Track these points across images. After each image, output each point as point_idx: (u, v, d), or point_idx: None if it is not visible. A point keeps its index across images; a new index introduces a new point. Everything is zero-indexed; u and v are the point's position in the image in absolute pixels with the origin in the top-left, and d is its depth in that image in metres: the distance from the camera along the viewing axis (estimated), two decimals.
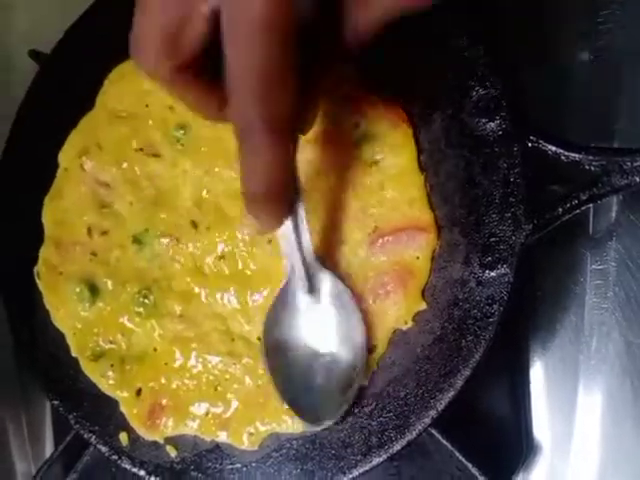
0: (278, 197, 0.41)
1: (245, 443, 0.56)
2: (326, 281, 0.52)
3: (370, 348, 0.54)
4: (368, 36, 0.40)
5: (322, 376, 0.51)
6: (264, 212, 0.42)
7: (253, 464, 0.56)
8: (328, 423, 0.52)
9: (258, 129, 0.36)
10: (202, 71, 0.39)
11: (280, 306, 0.53)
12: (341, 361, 0.51)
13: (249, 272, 0.57)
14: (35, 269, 0.63)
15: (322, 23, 0.39)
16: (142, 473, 0.58)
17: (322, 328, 0.52)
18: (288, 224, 0.47)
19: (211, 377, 0.57)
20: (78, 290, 0.60)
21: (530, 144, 0.51)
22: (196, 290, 0.59)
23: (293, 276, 0.52)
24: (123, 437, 0.59)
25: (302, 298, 0.52)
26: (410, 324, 0.53)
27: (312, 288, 0.52)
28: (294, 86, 0.37)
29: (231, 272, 0.58)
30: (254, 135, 0.37)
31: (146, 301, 0.59)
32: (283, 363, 0.52)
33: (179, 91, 0.40)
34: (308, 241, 0.50)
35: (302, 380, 0.51)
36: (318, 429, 0.52)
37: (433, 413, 0.51)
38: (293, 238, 0.48)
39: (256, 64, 0.34)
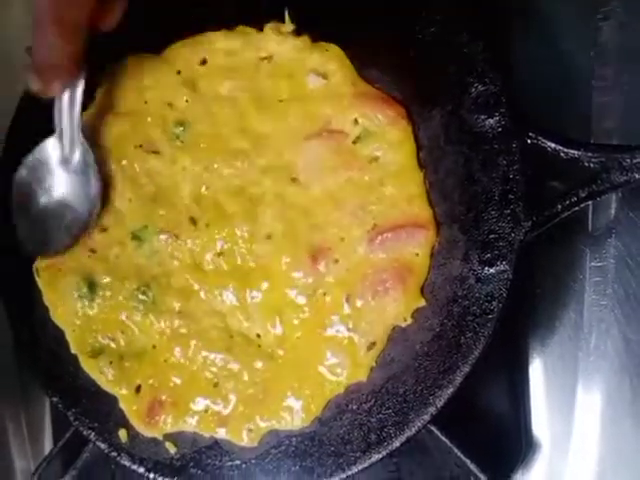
0: (56, 71, 0.53)
1: (244, 440, 0.56)
2: (78, 150, 0.59)
3: (369, 345, 0.54)
4: None
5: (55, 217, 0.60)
6: (45, 80, 0.54)
7: (252, 461, 0.56)
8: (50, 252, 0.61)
9: (46, 22, 0.49)
10: None
11: (36, 160, 0.60)
12: (70, 210, 0.60)
13: (248, 269, 0.57)
14: (34, 266, 0.62)
15: None
16: (141, 470, 0.58)
17: (66, 186, 0.60)
18: (65, 97, 0.57)
19: (210, 374, 0.57)
20: (77, 287, 0.60)
21: (529, 141, 0.51)
22: (195, 287, 0.58)
23: (57, 140, 0.59)
24: (122, 434, 0.59)
25: (57, 159, 0.60)
26: (409, 321, 0.53)
27: (69, 153, 0.59)
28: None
29: (230, 269, 0.58)
30: (44, 25, 0.49)
31: (145, 298, 0.59)
32: (24, 211, 0.61)
33: None
34: (78, 113, 0.58)
35: (36, 224, 0.60)
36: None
37: (432, 410, 0.51)
38: (65, 107, 0.57)
39: None
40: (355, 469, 0.53)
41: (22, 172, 0.60)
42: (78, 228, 0.60)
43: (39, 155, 0.60)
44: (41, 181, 0.60)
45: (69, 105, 0.57)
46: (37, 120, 0.64)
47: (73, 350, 0.61)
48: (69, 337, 0.61)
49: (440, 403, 0.51)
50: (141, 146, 0.61)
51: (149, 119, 0.61)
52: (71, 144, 0.59)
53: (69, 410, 0.61)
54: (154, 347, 0.59)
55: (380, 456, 0.52)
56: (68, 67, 0.54)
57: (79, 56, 0.53)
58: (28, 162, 0.60)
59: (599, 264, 0.58)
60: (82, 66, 0.55)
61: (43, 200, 0.60)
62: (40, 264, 0.62)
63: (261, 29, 0.59)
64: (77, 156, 0.59)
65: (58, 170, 0.60)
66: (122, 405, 0.59)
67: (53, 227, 0.60)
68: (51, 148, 0.60)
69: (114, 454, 0.59)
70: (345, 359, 0.54)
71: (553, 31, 0.59)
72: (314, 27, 0.58)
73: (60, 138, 0.59)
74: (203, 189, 0.59)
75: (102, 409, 0.60)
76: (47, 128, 0.63)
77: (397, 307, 0.53)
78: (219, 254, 0.58)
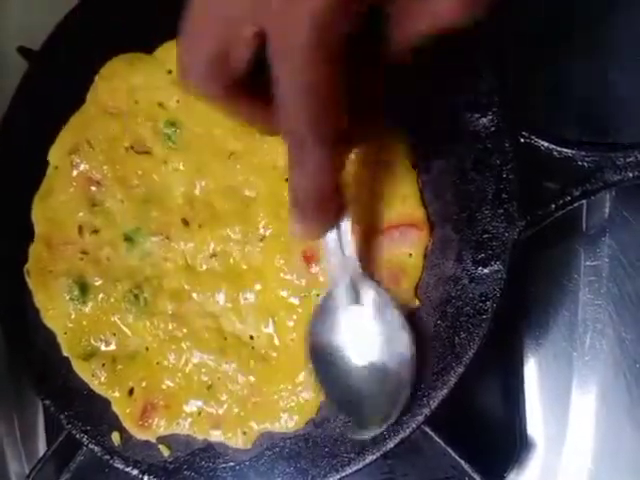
0: (325, 206, 0.43)
1: (238, 442, 0.56)
2: (370, 292, 0.50)
3: None
4: (416, 45, 0.41)
5: (368, 387, 0.50)
6: (310, 220, 0.43)
7: (246, 463, 0.56)
8: (376, 432, 0.50)
9: (309, 143, 0.38)
10: (251, 85, 0.39)
11: (324, 317, 0.51)
12: (388, 373, 0.49)
13: (241, 270, 0.57)
14: (25, 268, 0.62)
15: (369, 37, 0.39)
16: (135, 472, 0.58)
17: (367, 339, 0.50)
18: (332, 234, 0.48)
19: (203, 376, 0.57)
20: (69, 289, 0.60)
21: (523, 140, 0.51)
22: (188, 288, 0.58)
23: (336, 287, 0.51)
24: (115, 437, 0.59)
25: (346, 309, 0.51)
26: None
27: (357, 299, 0.50)
28: (343, 102, 0.38)
29: (223, 270, 0.57)
30: (305, 149, 0.38)
31: (137, 300, 0.59)
32: (331, 372, 0.51)
33: (231, 108, 0.41)
34: (352, 252, 0.49)
35: (349, 389, 0.50)
36: (366, 437, 0.51)
37: (426, 411, 0.51)
38: (337, 248, 0.48)
39: (305, 84, 0.35)
40: (349, 470, 0.52)
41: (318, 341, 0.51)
42: (401, 391, 0.49)
43: (323, 312, 0.51)
44: (336, 338, 0.51)
45: (339, 243, 0.48)
46: (28, 122, 0.65)
47: (65, 353, 0.60)
48: (61, 339, 0.61)
49: (434, 404, 0.50)
50: (132, 147, 0.60)
51: (140, 119, 0.61)
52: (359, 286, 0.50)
53: (62, 413, 0.60)
54: (147, 349, 0.59)
55: (374, 457, 0.52)
56: (339, 198, 0.44)
57: (343, 171, 0.43)
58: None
59: (593, 263, 0.57)
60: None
61: (348, 361, 0.50)
62: (31, 265, 0.62)
63: None
64: (370, 297, 0.50)
65: (354, 319, 0.50)
66: (115, 408, 0.59)
67: (373, 394, 0.50)
68: (334, 299, 0.51)
69: (107, 457, 0.59)
70: None
71: (546, 30, 0.59)
72: None
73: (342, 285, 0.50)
74: (195, 190, 0.59)
75: (95, 412, 0.59)
76: (38, 130, 0.63)
77: None
78: (212, 255, 0.58)
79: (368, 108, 0.44)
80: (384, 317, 0.50)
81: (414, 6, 0.37)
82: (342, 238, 0.48)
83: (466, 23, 0.38)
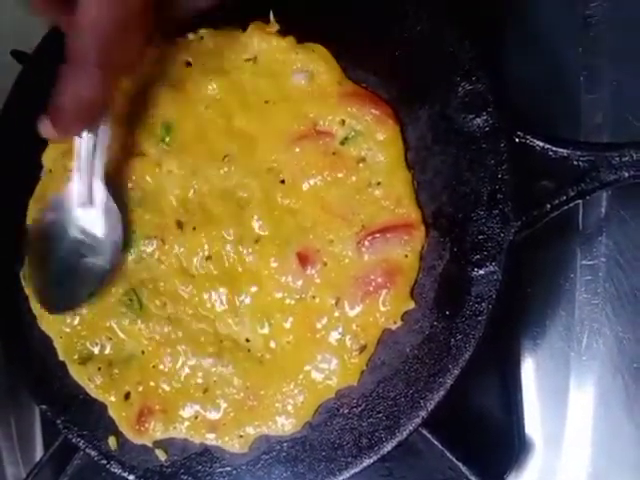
0: (82, 118, 0.50)
1: (235, 446, 0.56)
2: (101, 196, 0.56)
3: (359, 348, 0.53)
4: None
5: (73, 265, 0.57)
6: (64, 123, 0.50)
7: (243, 467, 0.56)
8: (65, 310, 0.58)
9: (89, 64, 0.44)
10: None
11: (56, 205, 0.57)
12: (96, 255, 0.57)
13: (236, 273, 0.57)
14: (21, 273, 0.62)
15: None
16: (131, 477, 0.58)
17: (87, 233, 0.57)
18: (85, 143, 0.53)
19: (199, 379, 0.57)
20: None
21: (517, 140, 0.50)
22: (183, 291, 0.58)
23: (75, 185, 0.56)
24: (112, 441, 0.59)
25: (77, 205, 0.57)
26: (399, 323, 0.53)
27: (90, 200, 0.56)
28: (136, 38, 0.45)
29: (218, 273, 0.57)
30: (83, 64, 0.45)
31: (133, 303, 0.58)
32: (44, 251, 0.58)
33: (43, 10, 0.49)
34: (100, 161, 0.55)
35: (56, 270, 0.57)
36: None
37: (423, 413, 0.51)
38: (85, 154, 0.54)
39: (102, 21, 0.42)
40: (347, 474, 0.52)
41: (38, 219, 0.58)
42: (98, 281, 0.57)
43: (56, 200, 0.57)
44: (58, 229, 0.57)
45: (92, 149, 0.54)
46: (21, 125, 0.65)
47: (61, 357, 0.60)
48: (57, 344, 0.60)
49: (431, 406, 0.50)
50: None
51: (134, 122, 0.60)
52: (89, 189, 0.56)
53: (58, 418, 0.60)
54: (143, 353, 0.58)
55: (371, 460, 0.52)
56: (98, 112, 0.51)
57: (109, 100, 0.50)
58: (47, 205, 0.58)
59: (590, 263, 0.57)
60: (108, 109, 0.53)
61: (60, 250, 0.57)
62: (27, 271, 0.62)
63: (245, 29, 0.58)
64: (97, 201, 0.56)
65: (75, 216, 0.57)
66: (111, 412, 0.59)
67: (72, 279, 0.57)
68: (68, 194, 0.57)
69: (104, 462, 0.59)
70: (335, 363, 0.54)
71: (541, 28, 0.59)
72: (299, 27, 0.57)
73: (79, 182, 0.56)
74: (190, 193, 0.58)
75: (91, 416, 0.59)
76: (32, 133, 0.63)
77: (387, 310, 0.53)
78: (207, 258, 0.57)
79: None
80: (105, 217, 0.57)
81: None
82: (97, 147, 0.54)
83: None
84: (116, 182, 0.58)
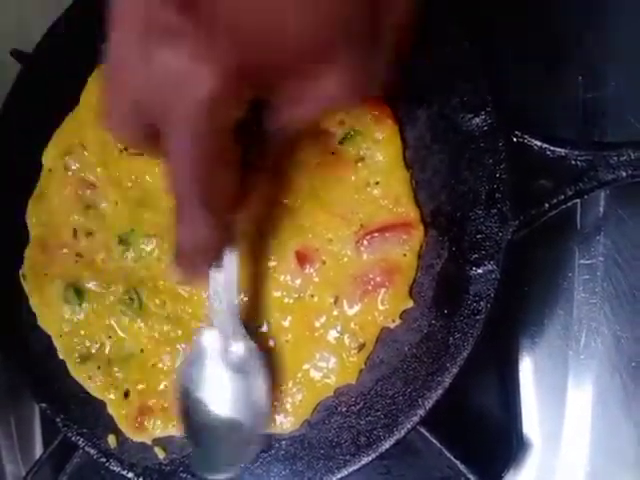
0: (201, 260, 0.46)
1: None
2: (240, 343, 0.53)
3: (358, 347, 0.54)
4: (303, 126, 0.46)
5: (223, 435, 0.52)
6: (189, 267, 0.47)
7: (241, 465, 0.56)
8: (220, 476, 0.53)
9: (192, 205, 0.41)
10: None
11: (194, 358, 0.54)
12: (242, 426, 0.52)
13: None
14: (21, 271, 0.62)
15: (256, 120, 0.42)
16: (131, 475, 0.58)
17: (229, 390, 0.53)
18: (219, 281, 0.50)
19: None
20: (64, 292, 0.60)
21: (515, 139, 0.50)
22: (182, 290, 0.58)
23: (210, 331, 0.53)
24: (111, 439, 0.59)
25: (217, 355, 0.53)
26: (398, 322, 0.53)
27: (227, 345, 0.53)
28: (230, 174, 0.42)
29: None
30: (189, 208, 0.41)
31: (132, 302, 0.59)
32: (191, 412, 0.53)
33: (144, 150, 0.45)
34: (234, 301, 0.52)
35: (205, 432, 0.53)
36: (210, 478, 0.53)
37: (421, 411, 0.51)
38: (220, 293, 0.51)
39: (189, 161, 0.38)
40: (345, 472, 0.52)
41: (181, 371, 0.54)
42: (251, 444, 0.53)
43: (196, 351, 0.53)
44: (201, 384, 0.53)
45: (225, 287, 0.50)
46: (21, 124, 0.65)
47: (61, 356, 0.60)
48: (56, 343, 0.61)
49: (429, 405, 0.50)
50: (126, 149, 0.60)
51: None
52: (233, 334, 0.52)
53: (57, 416, 0.60)
54: (142, 351, 0.59)
55: (370, 459, 0.52)
56: (218, 251, 0.48)
57: (230, 231, 0.47)
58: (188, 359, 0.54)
59: (588, 262, 0.57)
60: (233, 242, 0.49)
61: (206, 409, 0.53)
62: (26, 269, 0.62)
63: None
64: (240, 350, 0.52)
65: (219, 368, 0.53)
66: (111, 410, 0.59)
67: (224, 443, 0.53)
68: (208, 341, 0.53)
69: (103, 460, 0.59)
70: (334, 361, 0.54)
71: (539, 28, 0.59)
72: None
73: (219, 329, 0.52)
74: None
75: (91, 414, 0.59)
76: (31, 132, 0.63)
77: (385, 308, 0.53)
78: None
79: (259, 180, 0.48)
80: (248, 371, 0.52)
81: (296, 94, 0.39)
82: (229, 284, 0.51)
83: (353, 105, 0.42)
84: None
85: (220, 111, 0.37)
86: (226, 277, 0.50)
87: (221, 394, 0.52)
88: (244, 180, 0.43)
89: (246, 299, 0.56)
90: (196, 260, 0.46)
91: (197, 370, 0.53)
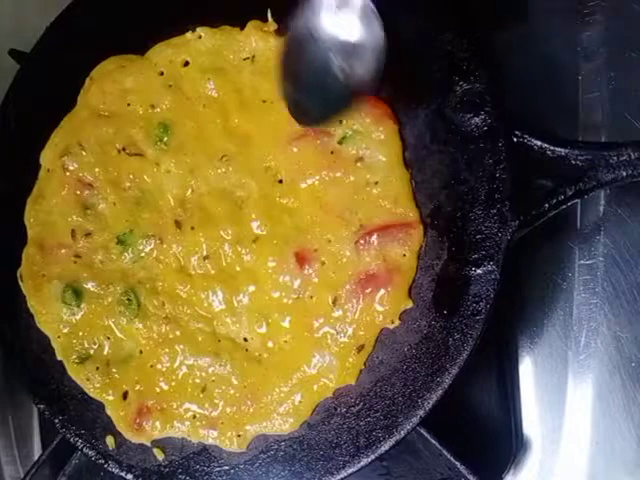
0: None
1: (233, 445, 0.56)
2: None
3: (358, 347, 0.53)
4: None
5: (321, 83, 0.49)
6: None
7: (241, 466, 0.56)
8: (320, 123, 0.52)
9: None
10: None
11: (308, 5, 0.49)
12: (341, 78, 0.48)
13: (234, 272, 0.57)
14: (18, 272, 0.62)
15: None
16: (129, 477, 0.58)
17: (344, 37, 0.48)
18: None
19: (197, 379, 0.57)
20: (62, 293, 0.60)
21: (515, 139, 0.50)
22: (181, 291, 0.58)
23: None
24: (110, 441, 0.59)
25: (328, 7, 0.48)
26: (397, 323, 0.53)
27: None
28: None
29: (216, 272, 0.57)
30: None
31: (131, 303, 0.58)
32: (297, 59, 0.50)
33: None
34: None
35: (310, 76, 0.50)
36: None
37: (421, 412, 0.51)
38: None
39: None
40: (344, 473, 0.52)
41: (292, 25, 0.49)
42: (356, 92, 0.48)
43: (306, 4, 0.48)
44: (307, 36, 0.48)
45: None
46: (19, 124, 0.65)
47: (59, 357, 0.60)
48: (54, 343, 0.60)
49: (429, 405, 0.50)
50: (124, 149, 0.60)
51: (132, 121, 0.60)
52: None
53: (56, 417, 0.60)
54: (140, 352, 0.58)
55: (369, 460, 0.52)
56: None
57: None
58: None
59: (588, 262, 0.57)
60: None
61: (311, 60, 0.49)
62: (24, 269, 0.62)
63: (243, 28, 0.58)
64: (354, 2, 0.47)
65: (327, 21, 0.48)
66: (109, 411, 0.59)
67: (326, 91, 0.49)
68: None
69: (101, 461, 0.59)
70: (334, 362, 0.54)
71: (539, 28, 0.59)
72: None
73: None
74: (188, 192, 0.58)
75: (89, 416, 0.59)
76: (29, 132, 0.63)
77: (385, 309, 0.53)
78: (205, 257, 0.57)
79: None
80: (363, 20, 0.48)
81: None
82: None
83: None
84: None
85: None
86: None
87: (330, 38, 0.48)
88: None
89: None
90: None
91: (309, 16, 0.49)
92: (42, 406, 0.61)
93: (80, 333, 0.60)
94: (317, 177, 0.55)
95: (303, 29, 0.49)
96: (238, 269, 0.57)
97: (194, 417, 0.57)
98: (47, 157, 0.62)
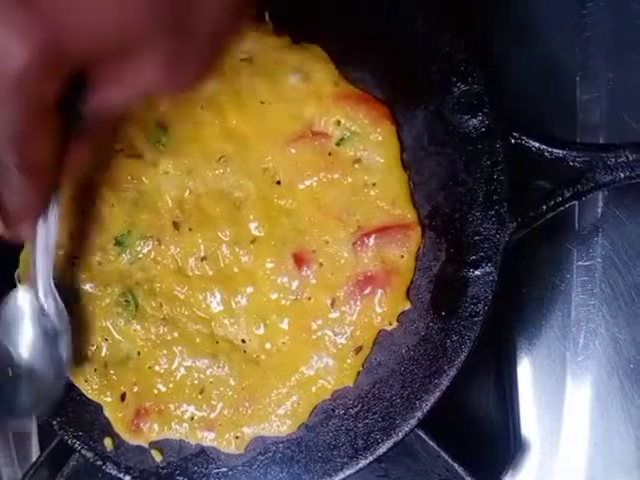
0: (23, 215, 0.49)
1: (231, 446, 0.56)
2: (51, 300, 0.54)
3: (356, 349, 0.53)
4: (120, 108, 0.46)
5: (22, 381, 0.55)
6: (11, 222, 0.49)
7: (239, 468, 0.56)
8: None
9: (9, 170, 0.43)
10: None
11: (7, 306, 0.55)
12: (39, 376, 0.55)
13: (232, 273, 0.57)
14: (16, 273, 0.62)
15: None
16: (127, 479, 0.58)
17: (32, 338, 0.55)
18: (38, 240, 0.51)
19: (195, 380, 0.57)
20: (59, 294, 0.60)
21: (513, 140, 0.50)
22: (179, 292, 0.58)
23: (32, 282, 0.54)
24: (108, 442, 0.59)
25: (28, 304, 0.55)
26: (395, 324, 0.53)
27: (43, 304, 0.54)
28: (46, 144, 0.42)
29: (214, 273, 0.57)
30: (7, 172, 0.43)
31: (129, 304, 0.58)
32: None
33: None
34: (49, 261, 0.53)
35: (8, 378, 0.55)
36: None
37: (419, 414, 0.51)
38: (40, 251, 0.52)
39: (6, 123, 0.39)
40: (342, 475, 0.52)
41: None
42: (45, 396, 0.56)
43: (9, 306, 0.55)
44: (10, 335, 0.55)
45: (43, 249, 0.52)
46: None
47: None
48: None
49: (427, 407, 0.50)
50: (122, 150, 0.60)
51: (130, 122, 0.60)
52: (45, 295, 0.54)
53: (53, 419, 0.60)
54: (138, 354, 0.58)
55: (367, 461, 0.52)
56: (36, 207, 0.49)
57: (49, 195, 0.48)
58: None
59: (586, 263, 0.57)
60: (52, 200, 0.50)
61: (13, 356, 0.55)
62: (21, 271, 0.61)
63: None
64: (51, 309, 0.54)
65: (28, 325, 0.55)
66: (107, 413, 0.59)
67: (22, 389, 0.55)
68: (21, 299, 0.55)
69: (99, 463, 0.59)
70: (331, 364, 0.54)
71: (537, 29, 0.59)
72: (295, 27, 0.57)
73: (33, 287, 0.54)
74: (186, 193, 0.58)
75: (87, 417, 0.59)
76: None
77: (383, 310, 0.53)
78: (202, 259, 0.57)
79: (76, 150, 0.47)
80: (54, 324, 0.55)
81: (114, 75, 0.39)
82: (47, 246, 0.52)
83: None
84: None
85: (34, 84, 0.37)
86: (41, 238, 0.51)
87: (25, 342, 0.54)
88: (67, 150, 0.45)
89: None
90: (17, 216, 0.48)
91: (9, 322, 0.55)
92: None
93: (78, 335, 0.60)
94: (315, 178, 0.55)
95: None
96: (236, 270, 0.57)
97: (192, 419, 0.57)
98: None
